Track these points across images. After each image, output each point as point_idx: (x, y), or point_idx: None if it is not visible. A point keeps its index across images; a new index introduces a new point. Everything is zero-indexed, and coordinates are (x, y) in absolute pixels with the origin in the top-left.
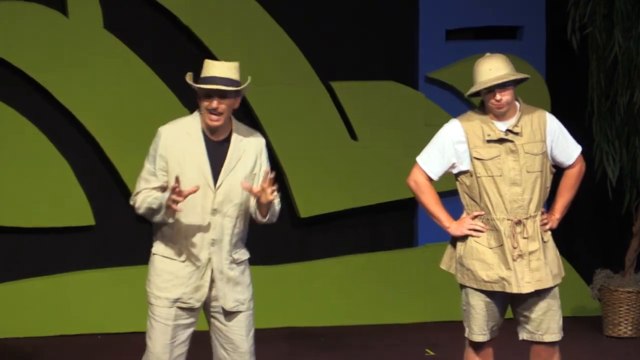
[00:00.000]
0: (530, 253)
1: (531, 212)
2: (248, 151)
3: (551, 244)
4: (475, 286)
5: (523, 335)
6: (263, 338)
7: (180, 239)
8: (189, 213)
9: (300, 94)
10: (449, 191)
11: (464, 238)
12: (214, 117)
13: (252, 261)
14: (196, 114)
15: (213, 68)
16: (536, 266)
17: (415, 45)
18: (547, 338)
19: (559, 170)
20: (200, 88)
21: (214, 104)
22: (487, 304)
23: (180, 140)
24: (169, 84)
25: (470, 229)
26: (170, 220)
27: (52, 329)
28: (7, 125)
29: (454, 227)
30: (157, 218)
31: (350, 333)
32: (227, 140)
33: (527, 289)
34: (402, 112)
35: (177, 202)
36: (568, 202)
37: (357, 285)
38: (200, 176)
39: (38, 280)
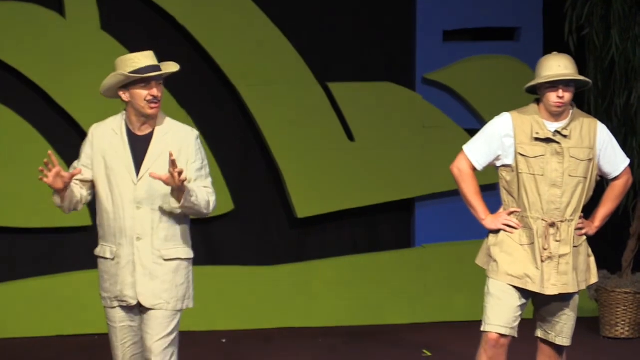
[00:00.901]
0: (561, 256)
1: (567, 216)
2: (172, 144)
3: (584, 249)
4: (497, 278)
5: (538, 333)
6: (259, 338)
7: (110, 237)
8: (116, 209)
9: (297, 94)
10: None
11: (497, 231)
12: (154, 104)
13: (249, 261)
14: (123, 112)
15: (141, 59)
16: (564, 270)
17: (413, 46)
18: (558, 341)
19: (602, 179)
20: (144, 78)
21: (155, 91)
22: (506, 296)
23: (106, 137)
24: (166, 84)
25: (504, 224)
26: (58, 201)
27: (49, 329)
28: (5, 126)
29: (490, 220)
30: (57, 201)
31: (348, 333)
32: (151, 134)
33: (551, 290)
34: (399, 113)
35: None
36: (610, 212)
37: (355, 285)
38: (125, 170)
39: (35, 280)
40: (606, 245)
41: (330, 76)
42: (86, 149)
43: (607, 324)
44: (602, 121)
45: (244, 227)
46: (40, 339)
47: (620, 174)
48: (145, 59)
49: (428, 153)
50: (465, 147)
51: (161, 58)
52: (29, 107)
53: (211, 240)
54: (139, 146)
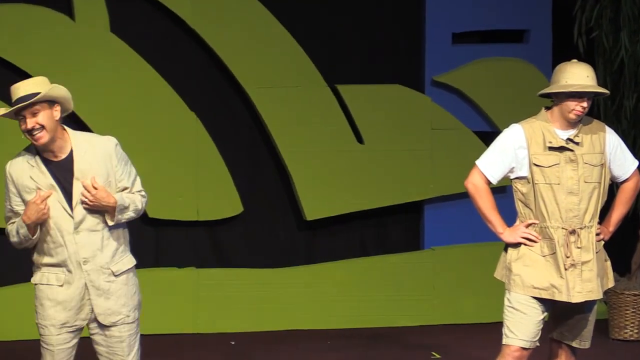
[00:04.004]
0: (583, 263)
1: (586, 223)
2: (96, 161)
3: (602, 255)
4: (521, 292)
5: (554, 335)
6: (269, 340)
7: (54, 264)
8: (55, 239)
9: (306, 96)
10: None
11: (516, 245)
12: (36, 136)
13: (257, 264)
14: (29, 147)
15: (16, 91)
16: (588, 277)
17: (422, 48)
18: (576, 344)
19: (613, 183)
20: (5, 115)
21: (28, 124)
22: (530, 310)
23: (25, 173)
24: (175, 87)
25: (523, 237)
26: (30, 235)
27: None
28: (14, 127)
29: (508, 234)
30: (24, 241)
31: (356, 336)
32: (71, 157)
33: (577, 298)
34: (408, 115)
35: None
36: (622, 215)
37: (364, 288)
38: (54, 200)
39: None
40: (615, 248)
41: (339, 78)
42: (11, 189)
43: (616, 326)
44: (612, 123)
45: (253, 230)
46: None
47: (630, 176)
48: (19, 90)
49: (437, 155)
50: (478, 162)
51: (170, 60)
52: None
53: (220, 243)
54: (61, 172)
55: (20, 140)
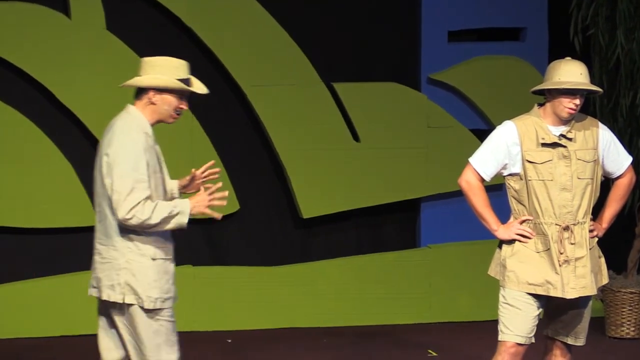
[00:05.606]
0: (577, 259)
1: (579, 219)
2: None
3: (596, 251)
4: (516, 288)
5: (548, 332)
6: (265, 338)
7: (166, 237)
8: None
9: (302, 95)
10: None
11: (510, 241)
12: (177, 117)
13: (254, 262)
14: (138, 115)
15: (185, 67)
16: (582, 273)
17: (418, 46)
18: (571, 341)
19: (607, 179)
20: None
21: (186, 105)
22: (524, 306)
23: (148, 141)
24: None
25: (517, 234)
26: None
27: (53, 330)
28: (10, 126)
29: (502, 231)
30: (161, 228)
31: (353, 334)
32: None
33: (571, 294)
34: (405, 113)
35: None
36: (616, 212)
37: (360, 286)
38: (160, 183)
39: (40, 281)
40: (611, 246)
41: (335, 76)
42: (143, 156)
43: (613, 324)
44: (608, 122)
45: (249, 228)
46: (43, 340)
47: (624, 172)
48: (187, 68)
49: (433, 153)
50: (471, 159)
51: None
52: (34, 108)
53: (216, 241)
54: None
55: (20, 140)
